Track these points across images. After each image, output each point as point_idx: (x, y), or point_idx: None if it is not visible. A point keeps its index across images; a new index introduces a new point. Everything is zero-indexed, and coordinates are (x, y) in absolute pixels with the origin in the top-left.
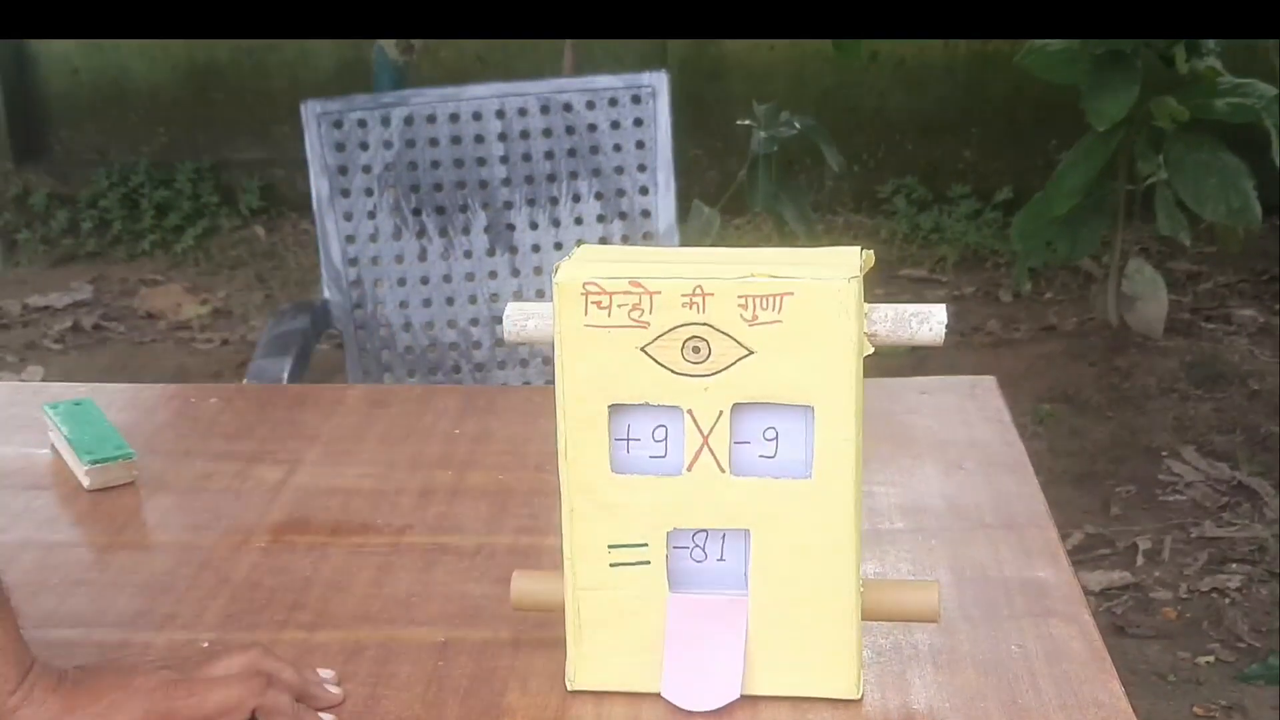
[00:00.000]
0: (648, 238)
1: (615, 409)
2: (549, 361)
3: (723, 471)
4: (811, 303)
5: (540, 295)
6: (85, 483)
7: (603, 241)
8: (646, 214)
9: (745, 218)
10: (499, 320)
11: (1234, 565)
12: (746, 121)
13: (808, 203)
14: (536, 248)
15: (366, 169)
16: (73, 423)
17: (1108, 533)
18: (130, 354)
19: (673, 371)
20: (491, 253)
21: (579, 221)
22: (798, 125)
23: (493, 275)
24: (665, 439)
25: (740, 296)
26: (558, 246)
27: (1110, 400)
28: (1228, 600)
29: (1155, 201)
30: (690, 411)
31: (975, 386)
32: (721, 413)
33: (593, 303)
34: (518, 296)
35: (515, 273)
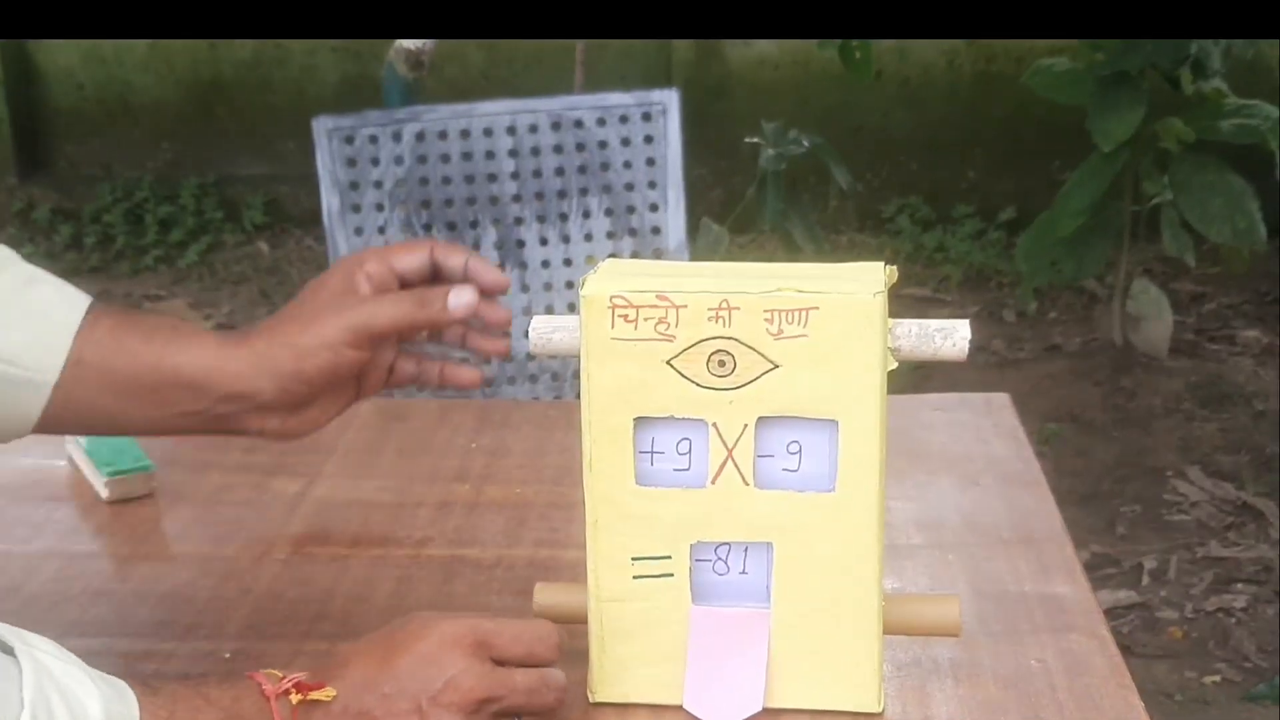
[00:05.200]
0: (658, 254)
1: (640, 422)
2: (558, 377)
3: (746, 484)
4: (837, 317)
5: (549, 311)
6: (104, 494)
7: (612, 258)
8: (657, 230)
9: (750, 236)
10: (508, 336)
11: (1240, 585)
12: (755, 139)
13: (815, 221)
14: (546, 263)
15: (377, 185)
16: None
17: (1113, 552)
18: None
19: (698, 385)
20: (501, 268)
21: (589, 238)
22: (806, 143)
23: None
24: (689, 452)
25: (766, 311)
26: (567, 263)
27: (1115, 420)
28: (1233, 620)
29: (1160, 222)
30: (715, 425)
31: (990, 403)
32: (746, 426)
33: (619, 316)
34: (527, 312)
35: (525, 288)
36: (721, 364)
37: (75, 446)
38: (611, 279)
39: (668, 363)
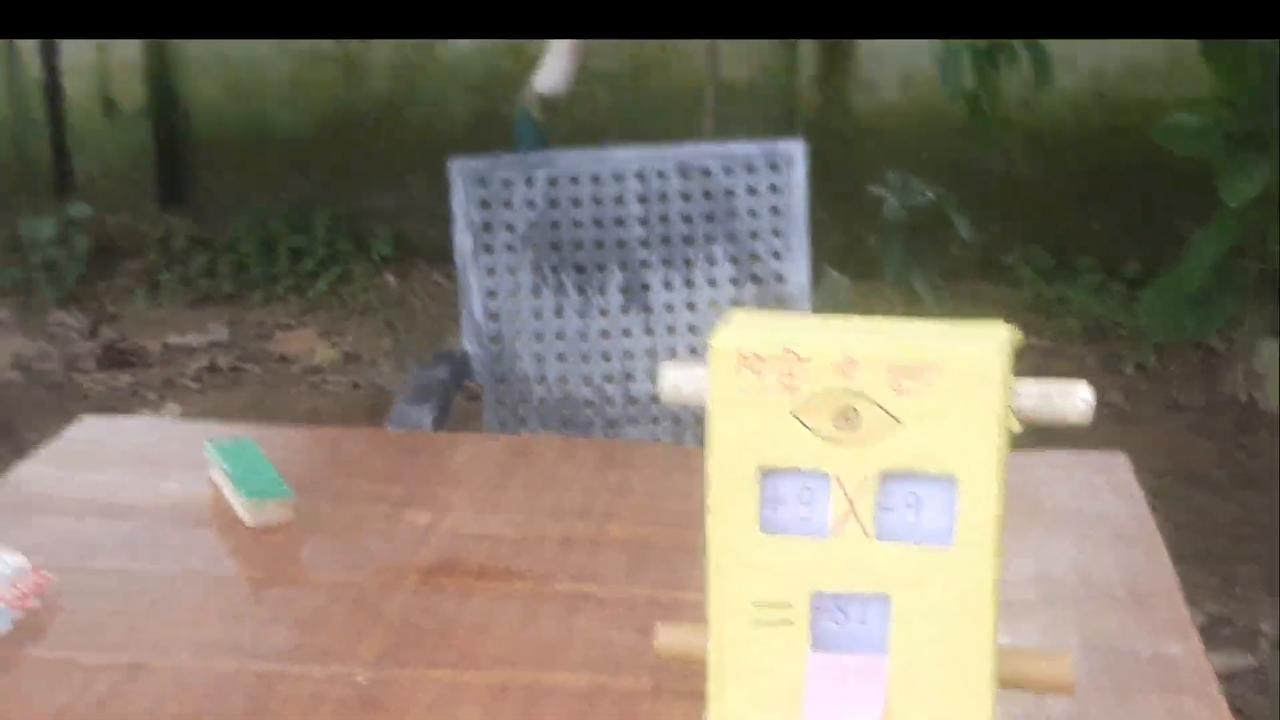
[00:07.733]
0: (780, 301)
1: (764, 471)
2: (678, 421)
3: (867, 536)
4: (959, 376)
5: (672, 354)
6: (246, 519)
7: (734, 304)
8: (780, 278)
9: (872, 283)
10: (631, 377)
11: None
12: (879, 189)
13: (935, 271)
14: (670, 307)
15: (510, 227)
16: (235, 461)
17: (1229, 613)
18: (263, 395)
19: (821, 437)
20: (626, 311)
21: (713, 283)
22: (930, 194)
23: (627, 334)
24: (812, 502)
25: (889, 366)
26: (690, 307)
27: (1234, 478)
28: None
29: None
30: (838, 477)
31: (1108, 462)
32: (868, 479)
33: (746, 368)
34: (651, 355)
35: (649, 331)
36: (845, 418)
37: (219, 471)
38: (740, 332)
39: (792, 414)
